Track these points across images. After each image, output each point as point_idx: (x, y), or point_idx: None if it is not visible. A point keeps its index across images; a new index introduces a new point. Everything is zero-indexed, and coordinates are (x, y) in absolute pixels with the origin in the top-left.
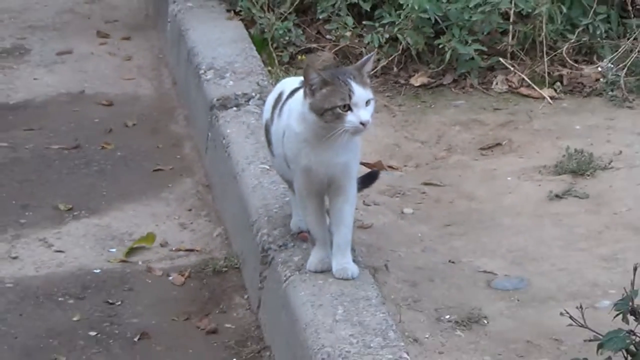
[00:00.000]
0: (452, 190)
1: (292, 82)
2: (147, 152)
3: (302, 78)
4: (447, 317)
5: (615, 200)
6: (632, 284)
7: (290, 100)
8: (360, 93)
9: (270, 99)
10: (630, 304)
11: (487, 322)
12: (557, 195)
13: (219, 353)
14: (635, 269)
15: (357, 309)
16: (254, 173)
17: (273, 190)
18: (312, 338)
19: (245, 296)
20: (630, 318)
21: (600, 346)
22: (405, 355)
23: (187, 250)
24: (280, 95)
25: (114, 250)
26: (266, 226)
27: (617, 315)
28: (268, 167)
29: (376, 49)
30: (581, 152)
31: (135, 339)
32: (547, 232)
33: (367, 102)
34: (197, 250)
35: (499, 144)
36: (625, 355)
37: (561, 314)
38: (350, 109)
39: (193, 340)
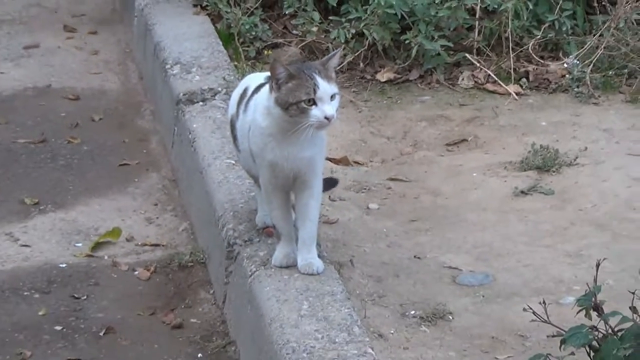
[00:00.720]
0: (418, 185)
1: (257, 77)
2: (113, 147)
3: (267, 73)
4: (412, 312)
5: (580, 196)
6: (595, 279)
7: (256, 95)
8: (325, 87)
9: (235, 95)
10: (593, 299)
11: (452, 318)
12: (522, 192)
13: (184, 348)
14: (597, 265)
15: (322, 304)
16: (219, 168)
17: (239, 185)
18: (277, 333)
19: (211, 291)
20: (593, 314)
21: (563, 342)
22: (370, 350)
23: (152, 245)
24: (245, 90)
25: (79, 244)
26: (232, 221)
27: (580, 311)
28: (234, 162)
29: (342, 45)
30: (547, 148)
31: (101, 334)
32: (513, 228)
33: (332, 97)
34: (163, 245)
35: (464, 140)
36: (588, 350)
37: (525, 309)
38: (315, 103)
39: (158, 335)
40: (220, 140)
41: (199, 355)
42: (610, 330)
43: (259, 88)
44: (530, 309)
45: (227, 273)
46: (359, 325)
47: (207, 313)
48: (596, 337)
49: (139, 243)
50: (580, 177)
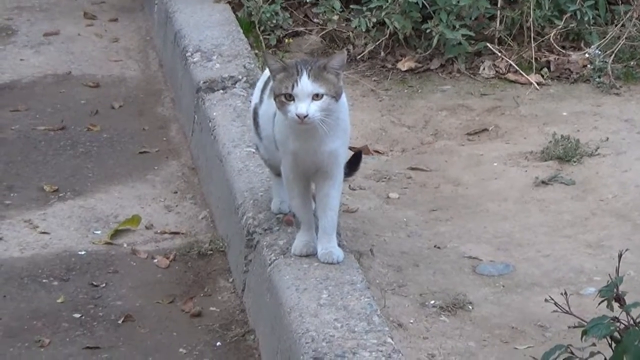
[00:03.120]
0: (438, 175)
1: None
2: (133, 134)
3: None
4: (432, 302)
5: (601, 186)
6: (617, 270)
7: None
8: (305, 85)
9: (260, 83)
10: (615, 290)
11: (472, 308)
12: (543, 182)
13: (203, 336)
14: (620, 256)
15: (342, 293)
16: (239, 156)
17: (259, 173)
18: (297, 322)
19: (230, 279)
20: (615, 305)
21: (584, 332)
22: (389, 340)
23: (172, 232)
24: (269, 77)
25: (98, 232)
26: (252, 209)
27: (602, 302)
28: (254, 151)
29: (346, 50)
30: (568, 138)
31: (119, 322)
32: (533, 218)
33: (318, 97)
34: (182, 233)
35: (485, 130)
36: (610, 341)
37: (546, 300)
38: (293, 99)
39: (177, 323)
40: (241, 129)
41: (218, 343)
42: (632, 322)
43: None
44: (552, 299)
45: (247, 262)
46: (378, 314)
47: (227, 302)
48: (618, 329)
49: (158, 231)
50: (601, 167)
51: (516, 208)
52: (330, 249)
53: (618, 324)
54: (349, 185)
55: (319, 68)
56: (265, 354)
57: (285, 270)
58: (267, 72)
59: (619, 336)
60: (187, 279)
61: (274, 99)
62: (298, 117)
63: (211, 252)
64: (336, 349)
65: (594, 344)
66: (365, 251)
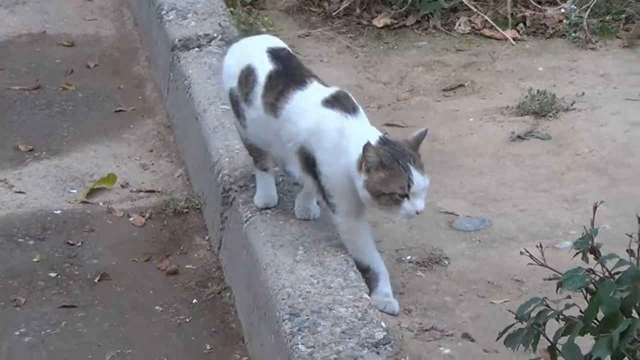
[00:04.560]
0: (414, 131)
1: (258, 49)
2: (108, 93)
3: (265, 39)
4: (408, 257)
5: (577, 141)
6: (592, 222)
7: (298, 102)
8: (420, 182)
9: (234, 67)
10: (590, 242)
11: (448, 263)
12: (519, 137)
13: (179, 294)
14: (595, 208)
15: (318, 249)
16: (215, 114)
17: (234, 131)
18: (273, 278)
19: (206, 237)
20: (590, 257)
21: (559, 285)
22: (365, 295)
23: (148, 191)
24: (250, 70)
25: (74, 191)
26: (227, 167)
27: (577, 254)
28: (229, 108)
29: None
30: (543, 93)
31: (95, 280)
32: (509, 173)
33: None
34: (158, 191)
35: (461, 85)
36: (585, 293)
37: (521, 252)
38: (407, 196)
39: (153, 281)
40: (216, 87)
41: (194, 301)
42: (607, 273)
43: (272, 76)
44: (527, 252)
45: (223, 219)
46: (354, 270)
47: (203, 259)
48: (593, 280)
49: (134, 189)
50: (577, 122)
51: (492, 163)
52: (307, 206)
53: (593, 275)
54: None
55: (418, 154)
56: (242, 311)
57: (261, 227)
58: (241, 57)
59: (594, 288)
60: (163, 237)
61: (375, 196)
62: (417, 213)
63: (187, 210)
64: (312, 305)
65: (569, 297)
66: None
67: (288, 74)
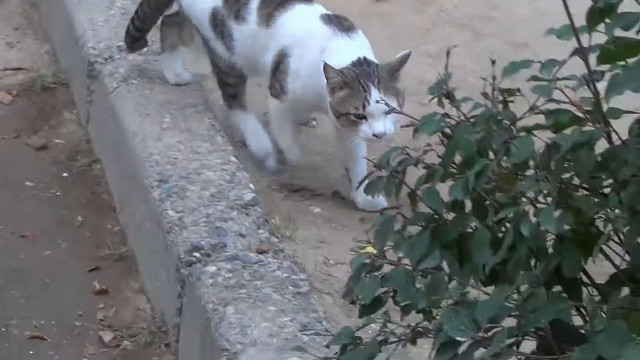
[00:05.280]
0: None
1: None
2: None
3: None
4: None
5: None
6: (446, 66)
7: (296, 13)
8: (377, 104)
9: None
10: (444, 87)
11: (316, 124)
12: None
13: (49, 168)
14: (448, 53)
15: (185, 116)
16: None
17: (97, 4)
18: (140, 147)
19: (74, 111)
20: (446, 101)
21: (416, 130)
22: (233, 158)
23: (14, 69)
24: None
25: None
26: (92, 40)
27: (432, 98)
28: None
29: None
30: None
31: None
32: (375, 32)
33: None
34: (25, 69)
35: None
36: (442, 138)
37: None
38: (365, 117)
39: (23, 157)
40: None
41: (65, 174)
42: (462, 117)
43: None
44: (385, 102)
45: (90, 92)
46: (221, 135)
47: (72, 133)
48: (449, 125)
49: (1, 68)
50: None
51: (358, 23)
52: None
53: (449, 120)
54: None
55: (390, 77)
56: (112, 182)
57: (127, 97)
58: None
59: (450, 132)
60: (31, 114)
61: (336, 117)
62: (376, 136)
63: (54, 85)
64: (180, 170)
65: (428, 144)
66: (206, 74)
67: None
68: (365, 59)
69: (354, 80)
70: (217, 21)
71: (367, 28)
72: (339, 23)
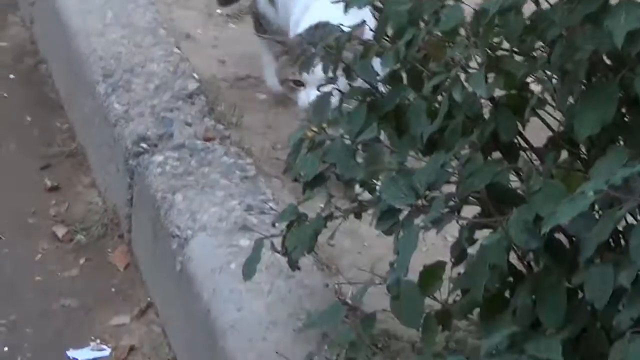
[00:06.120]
0: None
1: None
2: None
3: None
4: (218, 11)
5: None
6: None
7: None
8: (317, 71)
9: None
10: None
11: None
12: None
13: None
14: None
15: (127, 11)
16: None
17: None
18: (84, 44)
19: (18, 13)
20: None
21: (346, 5)
22: (176, 50)
23: None
24: None
25: None
26: None
27: None
28: None
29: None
30: None
31: None
32: None
33: None
34: None
35: None
36: (373, 12)
37: None
38: (303, 85)
39: None
40: None
41: (11, 76)
42: None
43: None
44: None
45: None
46: (164, 27)
47: (16, 35)
48: None
49: None
50: None
51: None
52: None
53: None
54: None
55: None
56: (59, 80)
57: None
58: None
59: (381, 4)
60: None
61: (281, 81)
62: None
63: None
64: (124, 64)
65: (363, 20)
66: None
67: None
68: (324, 23)
69: (300, 46)
70: None
71: None
72: None
